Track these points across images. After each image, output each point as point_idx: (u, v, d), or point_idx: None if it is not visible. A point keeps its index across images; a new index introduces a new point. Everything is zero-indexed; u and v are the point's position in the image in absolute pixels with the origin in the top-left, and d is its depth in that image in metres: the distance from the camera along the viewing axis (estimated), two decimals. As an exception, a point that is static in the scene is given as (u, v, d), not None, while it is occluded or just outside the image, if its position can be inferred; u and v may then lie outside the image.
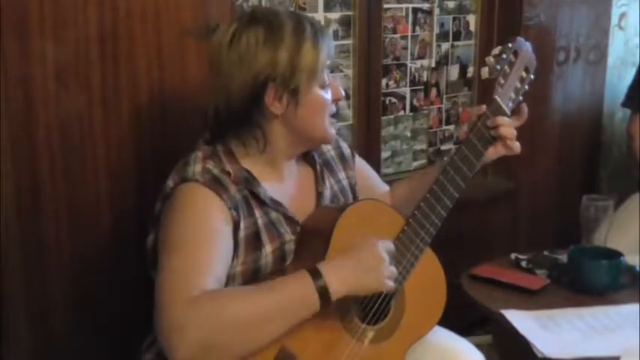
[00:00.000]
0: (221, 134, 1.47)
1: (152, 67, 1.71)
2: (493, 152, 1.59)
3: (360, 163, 1.74)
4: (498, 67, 1.57)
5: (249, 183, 1.44)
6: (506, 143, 1.57)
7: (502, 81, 1.58)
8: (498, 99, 1.57)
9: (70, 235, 1.65)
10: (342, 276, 1.31)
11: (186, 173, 1.40)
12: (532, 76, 1.64)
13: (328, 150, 1.64)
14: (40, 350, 1.65)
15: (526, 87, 1.63)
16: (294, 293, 1.29)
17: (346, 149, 1.69)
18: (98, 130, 1.65)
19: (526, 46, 1.62)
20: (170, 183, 1.41)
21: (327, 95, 1.48)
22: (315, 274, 1.29)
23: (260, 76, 1.41)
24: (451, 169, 1.53)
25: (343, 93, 1.54)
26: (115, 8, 1.63)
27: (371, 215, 1.49)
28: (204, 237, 1.34)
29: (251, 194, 1.44)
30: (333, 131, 1.51)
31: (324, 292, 1.29)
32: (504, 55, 1.58)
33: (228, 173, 1.42)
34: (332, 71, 1.54)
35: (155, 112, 1.74)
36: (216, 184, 1.39)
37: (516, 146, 1.59)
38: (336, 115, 1.55)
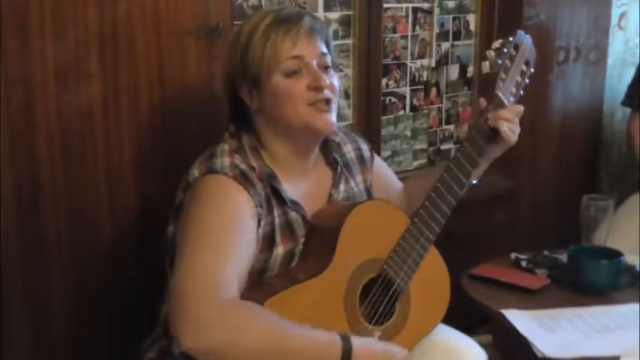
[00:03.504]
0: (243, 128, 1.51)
1: (152, 67, 1.71)
2: (494, 148, 1.58)
3: (378, 164, 1.73)
4: (500, 61, 1.54)
5: (272, 180, 1.44)
6: (505, 130, 1.52)
7: (503, 76, 1.55)
8: (500, 94, 1.55)
9: (70, 235, 1.65)
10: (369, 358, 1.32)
11: (214, 165, 1.40)
12: (532, 70, 1.62)
13: (349, 151, 1.64)
14: (40, 350, 1.65)
15: (527, 81, 1.61)
16: (319, 346, 1.29)
17: (366, 151, 1.68)
18: (98, 130, 1.65)
19: (527, 40, 1.60)
20: (195, 173, 1.41)
21: (295, 83, 1.43)
22: (346, 343, 1.30)
23: (230, 76, 1.48)
24: (454, 166, 1.52)
25: (326, 81, 1.44)
26: (115, 8, 1.63)
27: (377, 215, 1.50)
28: (234, 232, 1.34)
29: (273, 192, 1.43)
30: (321, 118, 1.43)
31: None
32: (505, 49, 1.55)
33: (254, 169, 1.42)
34: (326, 68, 1.48)
35: (155, 112, 1.73)
36: (244, 180, 1.39)
37: (510, 136, 1.54)
38: (330, 103, 1.45)
